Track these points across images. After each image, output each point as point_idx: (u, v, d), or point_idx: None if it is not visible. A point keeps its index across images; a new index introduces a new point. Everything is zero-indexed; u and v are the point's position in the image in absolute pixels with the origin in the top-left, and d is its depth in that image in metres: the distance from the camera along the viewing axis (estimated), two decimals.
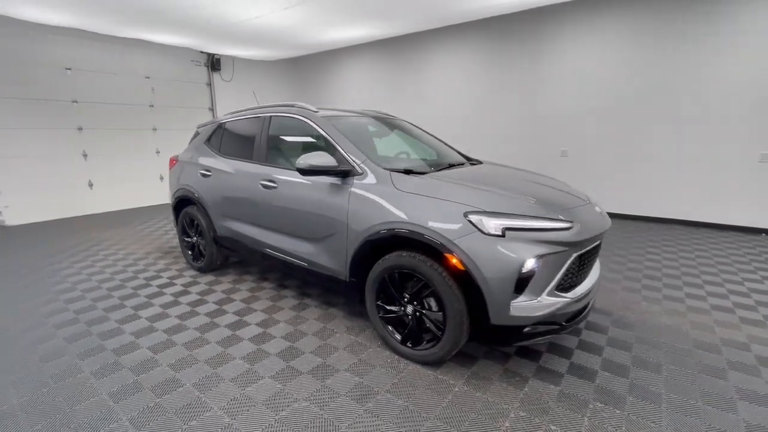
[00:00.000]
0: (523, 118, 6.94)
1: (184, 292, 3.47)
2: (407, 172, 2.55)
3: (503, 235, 2.02)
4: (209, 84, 8.61)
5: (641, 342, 2.60)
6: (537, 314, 2.04)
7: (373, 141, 3.15)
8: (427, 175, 2.54)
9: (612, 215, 6.08)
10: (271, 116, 3.29)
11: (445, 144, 3.73)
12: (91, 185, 6.99)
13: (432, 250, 2.17)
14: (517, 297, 2.03)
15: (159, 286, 3.60)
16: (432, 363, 2.33)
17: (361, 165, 2.57)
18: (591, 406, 2.00)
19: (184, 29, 5.82)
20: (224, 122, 3.78)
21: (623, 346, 2.56)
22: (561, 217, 2.13)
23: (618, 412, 1.96)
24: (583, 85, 6.19)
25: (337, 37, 6.17)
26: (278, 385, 2.18)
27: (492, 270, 1.99)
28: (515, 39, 6.71)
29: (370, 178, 2.50)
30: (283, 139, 3.23)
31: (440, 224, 2.14)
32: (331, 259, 2.70)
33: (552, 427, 1.85)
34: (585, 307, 2.34)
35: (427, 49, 7.78)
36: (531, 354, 2.47)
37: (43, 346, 2.61)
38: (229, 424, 1.89)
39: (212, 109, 8.74)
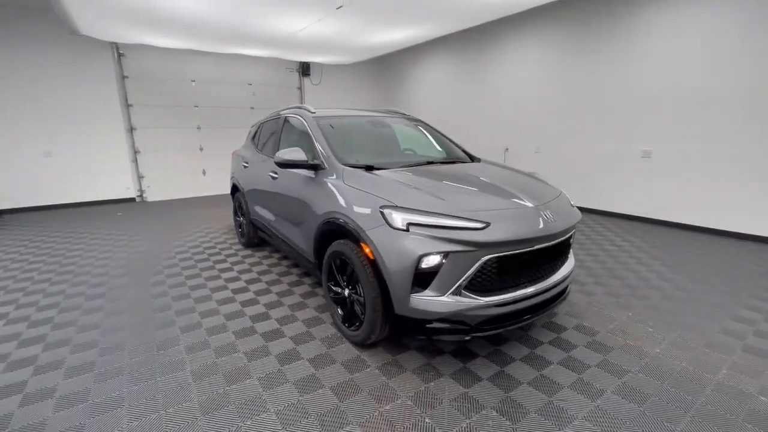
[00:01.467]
0: (597, 112, 6.16)
1: (233, 261, 4.27)
2: (368, 168, 2.75)
3: (407, 230, 2.09)
4: (299, 88, 9.79)
5: (604, 364, 2.31)
6: (438, 311, 2.06)
7: (359, 140, 3.39)
8: (378, 171, 2.69)
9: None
10: (285, 116, 3.81)
11: (452, 142, 3.76)
12: (204, 173, 8.75)
13: (354, 238, 2.35)
14: (422, 291, 2.09)
15: (221, 252, 4.50)
16: (359, 344, 2.51)
17: (327, 160, 2.86)
18: (484, 412, 1.95)
19: (260, 43, 6.82)
20: (263, 122, 4.46)
21: (576, 366, 2.32)
22: (470, 217, 2.09)
23: (508, 423, 1.87)
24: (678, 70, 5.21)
25: (388, 38, 6.42)
26: (234, 339, 2.66)
27: (393, 262, 2.10)
28: (592, 21, 5.98)
29: (331, 172, 2.78)
30: (289, 137, 3.71)
31: (360, 215, 2.32)
32: (304, 242, 3.08)
33: (426, 421, 1.90)
34: (515, 314, 2.22)
35: (504, 39, 7.46)
36: (465, 355, 2.44)
37: (153, 282, 3.62)
38: None
39: None
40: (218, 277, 3.77)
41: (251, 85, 9.01)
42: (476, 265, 2.05)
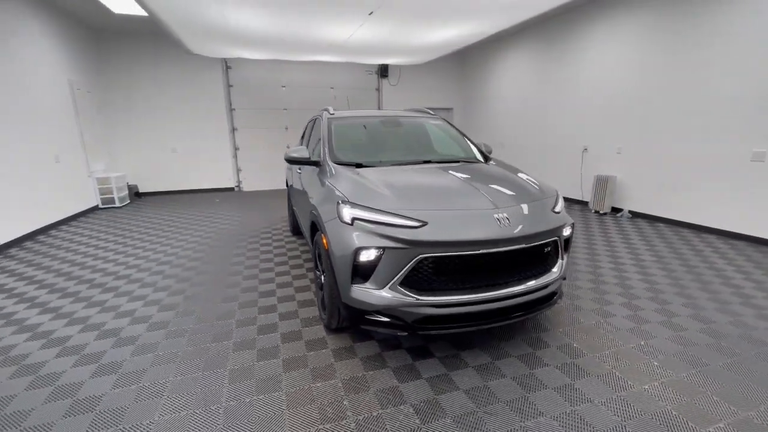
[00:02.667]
0: (697, 108, 5.13)
1: (277, 245, 4.90)
2: (358, 165, 2.94)
3: (352, 224, 2.22)
4: (378, 89, 10.25)
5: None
6: (374, 303, 2.16)
7: (365, 139, 3.55)
8: (362, 169, 2.84)
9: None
10: (316, 117, 4.19)
11: (471, 142, 3.68)
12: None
13: (322, 230, 2.57)
14: (363, 283, 2.20)
15: (272, 237, 5.20)
16: (328, 327, 2.72)
17: (324, 158, 3.12)
18: (401, 407, 1.99)
19: (326, 50, 7.35)
20: (308, 123, 4.94)
21: (530, 384, 2.14)
22: (408, 216, 2.11)
23: (417, 422, 1.88)
24: None
25: (440, 37, 6.29)
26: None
27: (338, 253, 2.25)
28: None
29: (324, 169, 3.03)
30: (314, 135, 4.06)
31: (324, 209, 2.52)
32: (307, 231, 3.40)
33: (344, 402, 2.02)
34: (459, 317, 2.16)
35: (588, 28, 6.72)
36: (420, 353, 2.45)
37: (234, 252, 4.49)
38: None
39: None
40: (257, 257, 4.37)
41: (333, 89, 9.80)
42: (411, 262, 2.08)
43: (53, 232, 5.64)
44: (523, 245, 2.19)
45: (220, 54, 7.78)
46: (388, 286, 2.13)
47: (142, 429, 1.86)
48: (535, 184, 2.70)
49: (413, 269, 2.10)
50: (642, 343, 2.54)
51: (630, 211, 6.15)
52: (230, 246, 4.83)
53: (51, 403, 2.05)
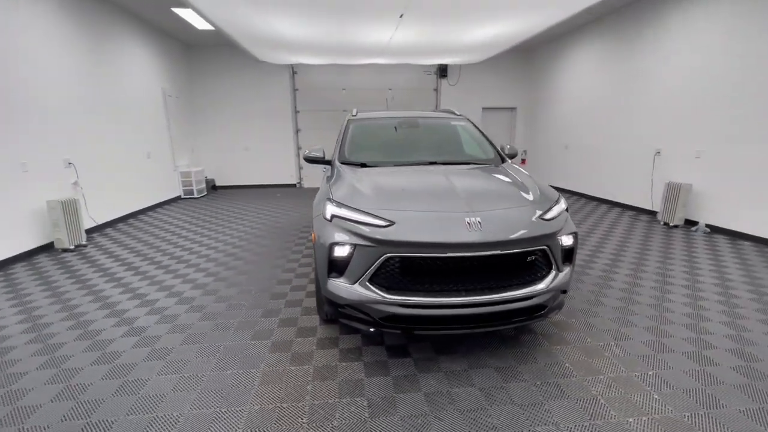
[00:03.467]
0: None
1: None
2: (363, 165, 3.06)
3: (331, 220, 2.34)
4: (436, 89, 10.17)
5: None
6: (345, 297, 2.24)
7: (378, 139, 3.62)
8: (364, 168, 2.94)
9: None
10: (347, 118, 4.38)
11: (490, 144, 3.55)
12: None
13: None
14: (338, 277, 2.31)
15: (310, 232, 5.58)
16: (321, 318, 2.88)
17: (333, 157, 3.28)
18: (357, 399, 2.05)
19: (383, 53, 7.51)
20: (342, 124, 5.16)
21: (495, 398, 2.05)
22: (377, 215, 2.15)
23: (366, 415, 1.94)
24: None
25: (481, 36, 6.05)
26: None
27: (318, 247, 2.39)
28: None
29: (333, 168, 3.19)
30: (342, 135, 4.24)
31: (317, 205, 2.67)
32: None
33: (307, 387, 2.15)
34: (429, 320, 2.15)
35: (665, 17, 5.96)
36: (398, 352, 2.48)
37: (286, 240, 5.03)
38: None
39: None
40: (291, 250, 4.73)
41: (390, 90, 9.99)
42: (379, 260, 2.13)
43: (141, 216, 6.71)
44: (497, 251, 2.09)
45: (280, 60, 8.43)
46: (359, 281, 2.20)
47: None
48: (534, 190, 2.53)
49: (380, 267, 2.14)
50: (650, 372, 2.25)
51: (708, 225, 5.29)
52: (280, 238, 5.27)
53: (107, 380, 2.22)
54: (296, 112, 9.88)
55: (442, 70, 9.89)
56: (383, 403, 2.02)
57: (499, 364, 2.35)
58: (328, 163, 3.39)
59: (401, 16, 4.63)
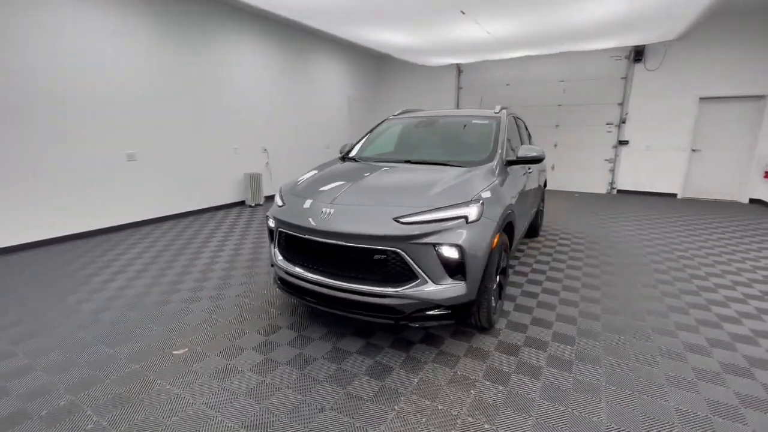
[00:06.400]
0: None
1: None
2: (353, 160, 3.54)
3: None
4: (625, 77, 8.18)
5: None
6: (271, 258, 2.90)
7: (395, 137, 3.80)
8: (347, 162, 3.42)
9: None
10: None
11: (497, 146, 3.24)
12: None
13: None
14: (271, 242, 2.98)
15: None
16: None
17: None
18: (279, 369, 2.74)
19: (570, 38, 6.71)
20: None
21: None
22: (282, 198, 2.69)
23: (298, 395, 2.61)
24: None
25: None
26: None
27: None
28: None
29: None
30: None
31: None
32: None
33: (259, 359, 3.00)
34: (302, 290, 2.55)
35: None
36: (312, 323, 2.94)
37: None
38: None
39: (621, 105, 8.30)
40: None
41: (563, 82, 8.80)
42: (276, 233, 2.70)
43: None
44: (341, 242, 2.26)
45: (419, 61, 9.02)
46: (275, 246, 2.83)
47: None
48: (459, 196, 2.39)
49: (279, 238, 2.70)
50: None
51: None
52: None
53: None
54: (458, 109, 10.24)
55: (638, 53, 7.88)
56: (303, 380, 2.58)
57: (383, 352, 2.45)
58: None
59: (463, 13, 4.39)
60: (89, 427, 1.86)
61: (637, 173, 8.44)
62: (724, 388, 2.13)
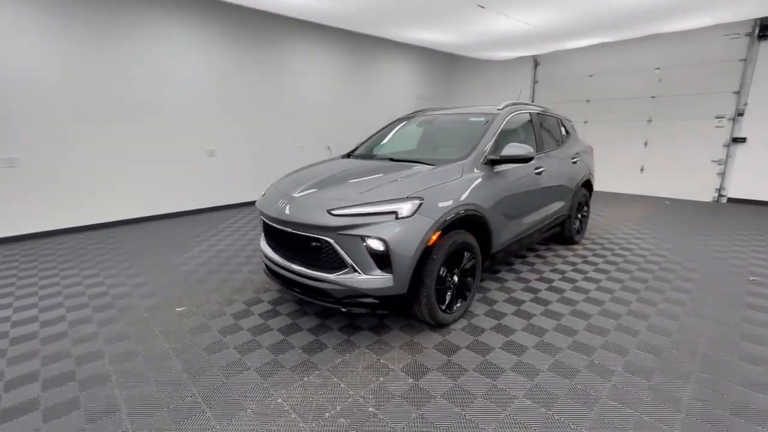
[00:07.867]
0: None
1: None
2: (350, 156, 3.81)
3: None
4: (744, 59, 6.58)
5: None
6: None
7: (399, 135, 3.88)
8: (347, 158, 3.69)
9: None
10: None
11: (485, 145, 3.17)
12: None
13: None
14: None
15: None
16: None
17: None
18: (259, 351, 3.24)
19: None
20: None
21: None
22: (266, 189, 3.08)
23: (297, 377, 3.13)
24: None
25: None
26: None
27: None
28: None
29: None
30: None
31: None
32: None
33: (225, 310, 3.54)
34: (273, 272, 2.92)
35: None
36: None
37: None
38: None
39: (738, 93, 6.70)
40: None
41: (658, 70, 7.51)
42: (260, 219, 3.13)
43: None
44: (289, 229, 2.56)
45: (484, 56, 8.53)
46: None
47: None
48: (404, 191, 2.50)
49: (262, 225, 3.12)
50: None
51: None
52: None
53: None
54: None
55: (764, 28, 6.31)
56: (304, 367, 3.11)
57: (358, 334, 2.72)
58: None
59: (482, 7, 4.10)
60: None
61: (757, 178, 6.77)
62: None
